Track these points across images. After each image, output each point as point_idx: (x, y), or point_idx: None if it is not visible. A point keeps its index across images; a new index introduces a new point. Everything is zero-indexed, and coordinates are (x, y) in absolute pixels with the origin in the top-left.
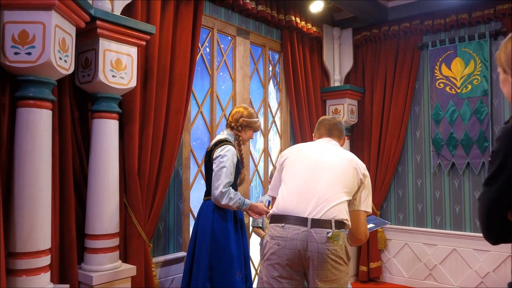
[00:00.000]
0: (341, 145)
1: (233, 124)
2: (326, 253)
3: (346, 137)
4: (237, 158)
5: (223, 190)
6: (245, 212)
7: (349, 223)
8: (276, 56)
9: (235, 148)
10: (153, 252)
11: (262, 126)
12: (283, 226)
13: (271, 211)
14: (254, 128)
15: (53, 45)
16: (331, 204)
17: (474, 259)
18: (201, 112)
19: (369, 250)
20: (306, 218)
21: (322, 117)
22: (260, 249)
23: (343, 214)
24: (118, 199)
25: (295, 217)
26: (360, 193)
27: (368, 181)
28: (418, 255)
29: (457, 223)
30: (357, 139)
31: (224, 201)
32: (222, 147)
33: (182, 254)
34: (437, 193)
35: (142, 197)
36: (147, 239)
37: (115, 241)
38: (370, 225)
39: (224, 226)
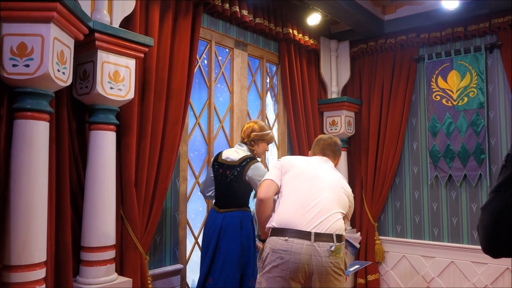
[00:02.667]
0: (335, 165)
1: (245, 140)
2: (330, 266)
3: (343, 149)
4: None
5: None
6: None
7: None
8: (274, 68)
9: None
10: (149, 264)
11: None
12: (286, 240)
13: (269, 225)
14: (267, 140)
15: (52, 57)
16: (332, 219)
17: (472, 272)
18: (198, 123)
19: None
20: (309, 232)
21: (319, 136)
22: (259, 261)
23: (342, 228)
24: (114, 211)
25: (297, 230)
26: (349, 213)
27: (353, 205)
28: (415, 267)
29: (455, 235)
30: (355, 151)
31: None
32: (255, 164)
33: (179, 266)
34: (435, 205)
35: (139, 209)
36: (144, 251)
37: (111, 254)
38: (356, 266)
39: (251, 240)
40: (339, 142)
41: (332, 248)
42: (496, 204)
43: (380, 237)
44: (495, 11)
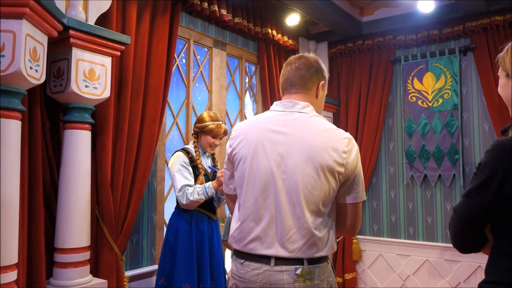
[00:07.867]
0: (317, 97)
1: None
2: None
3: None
4: (187, 159)
5: (178, 194)
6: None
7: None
8: (253, 68)
9: (184, 152)
10: (125, 265)
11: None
12: (242, 263)
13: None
14: (206, 132)
15: (24, 54)
16: (300, 232)
17: (446, 270)
18: (176, 123)
19: (344, 262)
20: (269, 256)
21: (289, 59)
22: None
23: (318, 240)
24: (89, 211)
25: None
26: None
27: (352, 174)
28: (391, 265)
29: (429, 234)
30: None
31: (185, 202)
32: (173, 155)
33: (155, 267)
34: (410, 205)
35: (115, 209)
36: (120, 252)
37: (85, 255)
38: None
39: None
40: (314, 61)
41: (298, 272)
42: (465, 209)
43: (358, 236)
44: (468, 15)
